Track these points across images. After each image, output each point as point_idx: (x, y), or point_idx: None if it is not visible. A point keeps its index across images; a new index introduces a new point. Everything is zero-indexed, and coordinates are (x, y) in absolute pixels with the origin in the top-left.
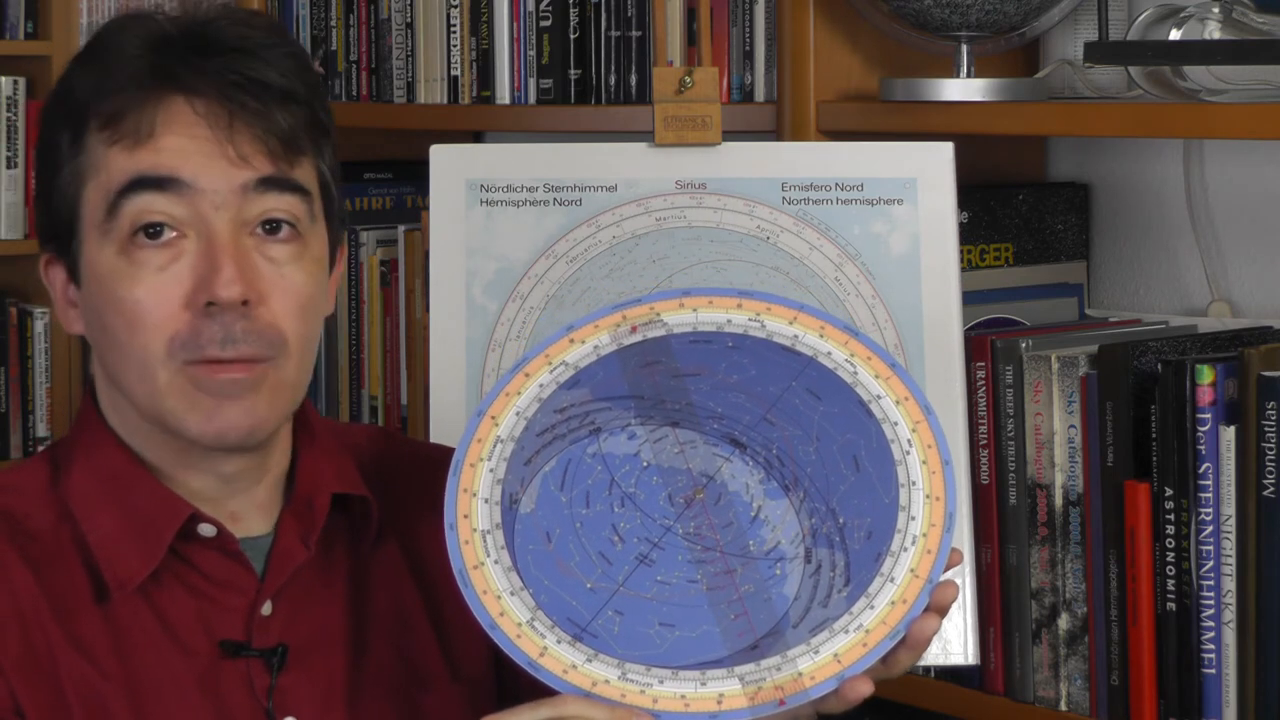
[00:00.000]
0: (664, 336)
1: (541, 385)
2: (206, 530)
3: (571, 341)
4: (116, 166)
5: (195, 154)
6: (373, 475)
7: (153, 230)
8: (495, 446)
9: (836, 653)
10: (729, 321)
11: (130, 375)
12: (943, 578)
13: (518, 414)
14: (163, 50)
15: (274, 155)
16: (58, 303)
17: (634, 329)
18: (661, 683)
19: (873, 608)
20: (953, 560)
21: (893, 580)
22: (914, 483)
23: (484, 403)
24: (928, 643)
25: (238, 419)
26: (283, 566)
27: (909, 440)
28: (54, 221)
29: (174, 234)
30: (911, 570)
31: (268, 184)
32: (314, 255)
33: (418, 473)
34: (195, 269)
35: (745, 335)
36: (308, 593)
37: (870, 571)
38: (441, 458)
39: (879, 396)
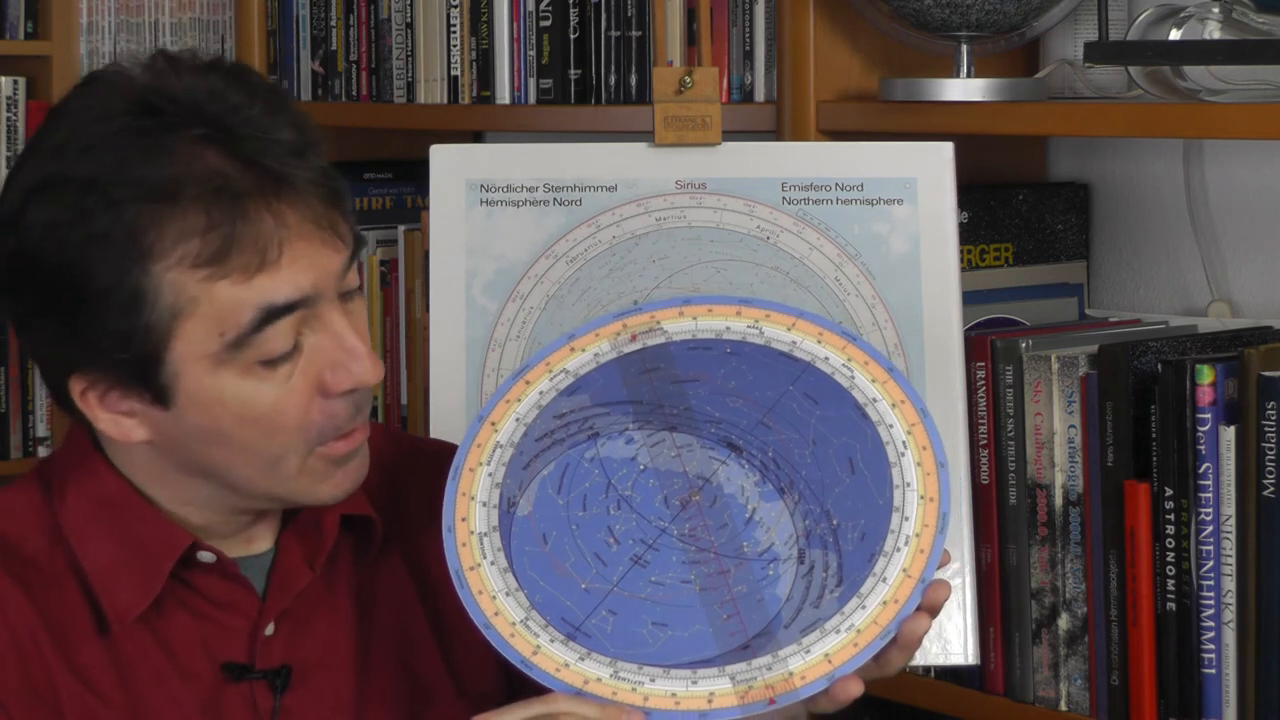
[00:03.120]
0: (663, 344)
1: (541, 392)
2: (206, 557)
3: (572, 350)
4: (233, 301)
5: (311, 257)
6: (379, 483)
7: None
8: (494, 451)
9: (827, 652)
10: (727, 329)
11: (249, 471)
12: (935, 577)
13: (517, 420)
14: (199, 154)
15: (346, 216)
16: (100, 418)
17: (634, 337)
18: (653, 681)
19: (864, 608)
20: (942, 562)
21: (885, 580)
22: (908, 484)
23: (485, 408)
24: (919, 642)
25: (357, 475)
26: (286, 587)
27: (904, 442)
28: (112, 356)
29: (297, 339)
30: (904, 570)
31: (354, 255)
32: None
33: (424, 475)
34: (322, 360)
35: (743, 342)
36: (311, 611)
37: (863, 572)
38: (448, 455)
39: (875, 400)
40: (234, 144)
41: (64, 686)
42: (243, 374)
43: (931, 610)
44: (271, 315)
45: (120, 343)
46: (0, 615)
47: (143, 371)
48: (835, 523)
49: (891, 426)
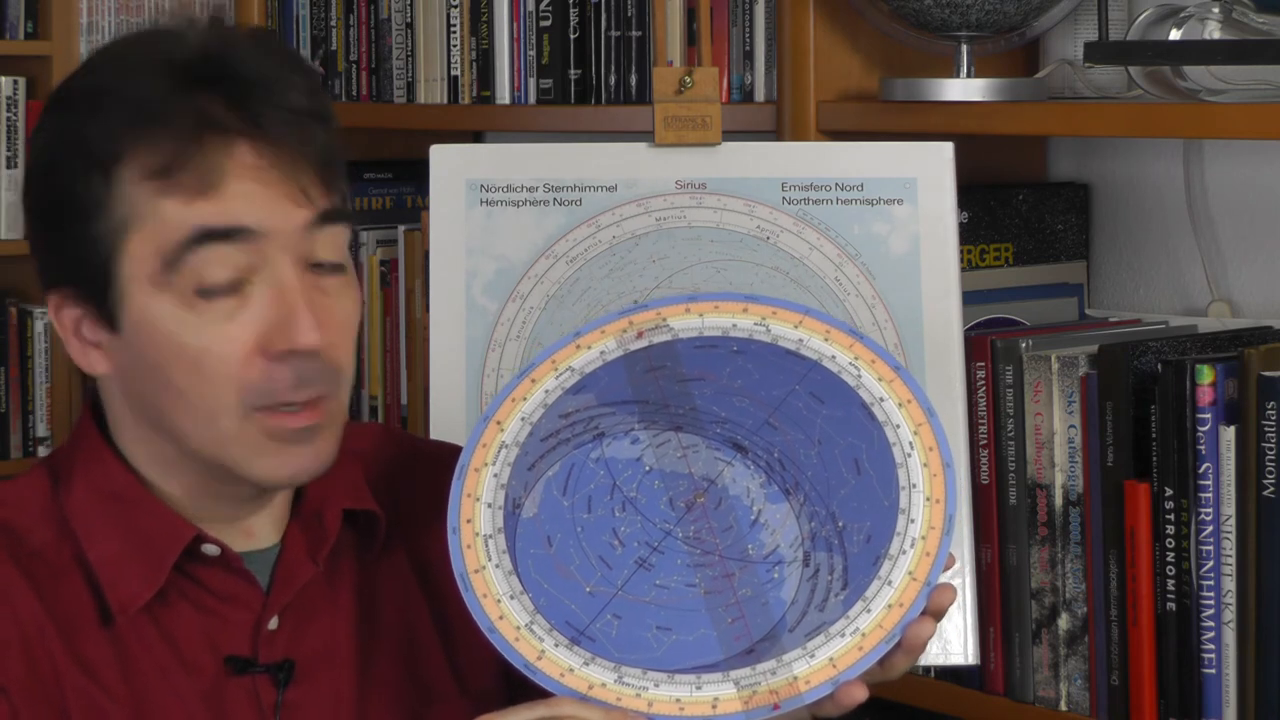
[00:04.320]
0: (670, 342)
1: (547, 391)
2: (210, 550)
3: (578, 348)
4: (174, 219)
5: (260, 198)
6: (380, 481)
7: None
8: (500, 452)
9: (832, 657)
10: (734, 326)
11: (188, 422)
12: (939, 580)
13: (523, 419)
14: (194, 90)
15: (326, 186)
16: (71, 342)
17: (640, 334)
18: (657, 686)
19: (869, 611)
20: (946, 564)
21: (890, 583)
22: (914, 485)
23: (490, 408)
24: (924, 646)
25: (308, 463)
26: (290, 581)
27: (910, 443)
28: (77, 269)
29: (240, 280)
30: (909, 573)
31: (325, 218)
32: (353, 279)
33: (425, 475)
34: (266, 316)
35: (750, 340)
36: (314, 606)
37: (868, 575)
38: (449, 455)
39: (881, 399)
40: (221, 81)
41: (68, 677)
42: (179, 304)
43: (936, 614)
44: (204, 237)
45: (80, 250)
46: (7, 605)
47: (99, 289)
48: (841, 525)
49: (898, 427)
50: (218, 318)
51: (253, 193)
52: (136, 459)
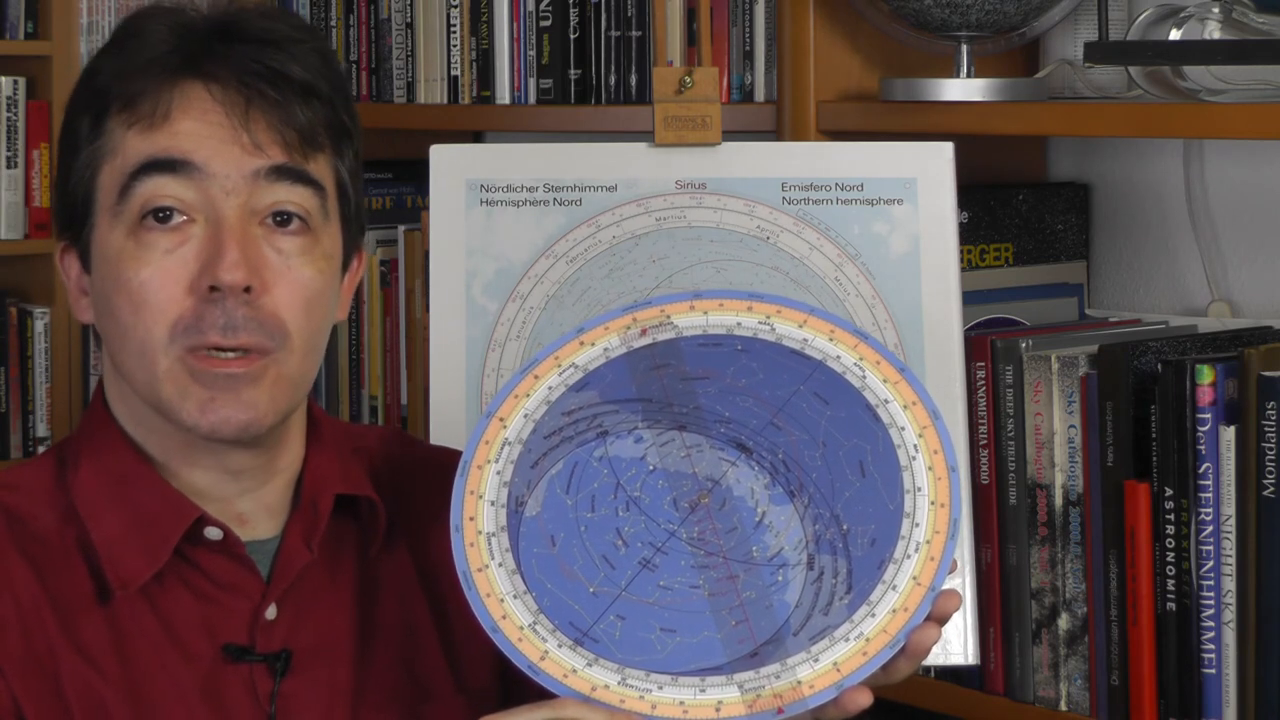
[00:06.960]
0: (673, 339)
1: (550, 388)
2: (213, 533)
3: (581, 344)
4: (132, 149)
5: (209, 139)
6: (384, 478)
7: (162, 214)
8: (503, 449)
9: (836, 661)
10: (739, 324)
11: (131, 359)
12: (944, 585)
13: (526, 416)
14: (186, 37)
15: (289, 146)
16: (71, 291)
17: (644, 332)
18: (660, 689)
19: (874, 615)
20: (950, 569)
21: (894, 588)
22: (919, 489)
23: (492, 404)
24: (927, 652)
25: (234, 412)
26: (287, 569)
27: (915, 445)
28: (70, 206)
29: (183, 218)
30: (914, 578)
31: (280, 173)
32: (324, 252)
33: (430, 477)
34: (201, 253)
35: (755, 339)
36: (314, 597)
37: (873, 579)
38: (454, 462)
39: (886, 401)
40: (214, 35)
41: (64, 660)
42: (126, 234)
43: (940, 620)
44: (150, 166)
45: (71, 185)
46: (7, 587)
47: (80, 225)
48: (845, 528)
49: (903, 429)
50: (158, 252)
51: (199, 131)
52: (130, 428)
